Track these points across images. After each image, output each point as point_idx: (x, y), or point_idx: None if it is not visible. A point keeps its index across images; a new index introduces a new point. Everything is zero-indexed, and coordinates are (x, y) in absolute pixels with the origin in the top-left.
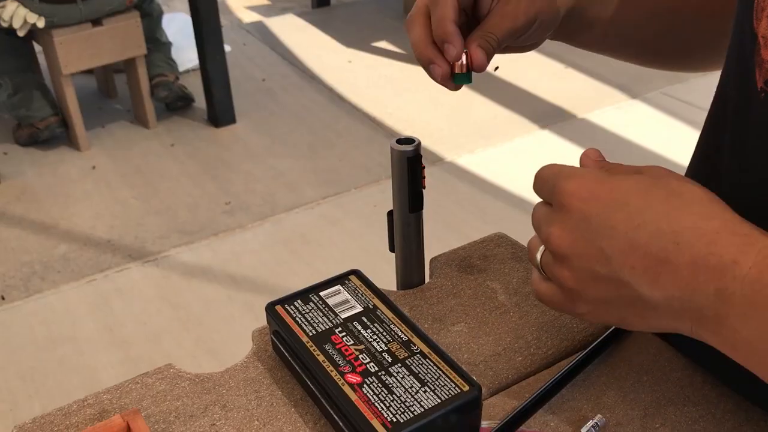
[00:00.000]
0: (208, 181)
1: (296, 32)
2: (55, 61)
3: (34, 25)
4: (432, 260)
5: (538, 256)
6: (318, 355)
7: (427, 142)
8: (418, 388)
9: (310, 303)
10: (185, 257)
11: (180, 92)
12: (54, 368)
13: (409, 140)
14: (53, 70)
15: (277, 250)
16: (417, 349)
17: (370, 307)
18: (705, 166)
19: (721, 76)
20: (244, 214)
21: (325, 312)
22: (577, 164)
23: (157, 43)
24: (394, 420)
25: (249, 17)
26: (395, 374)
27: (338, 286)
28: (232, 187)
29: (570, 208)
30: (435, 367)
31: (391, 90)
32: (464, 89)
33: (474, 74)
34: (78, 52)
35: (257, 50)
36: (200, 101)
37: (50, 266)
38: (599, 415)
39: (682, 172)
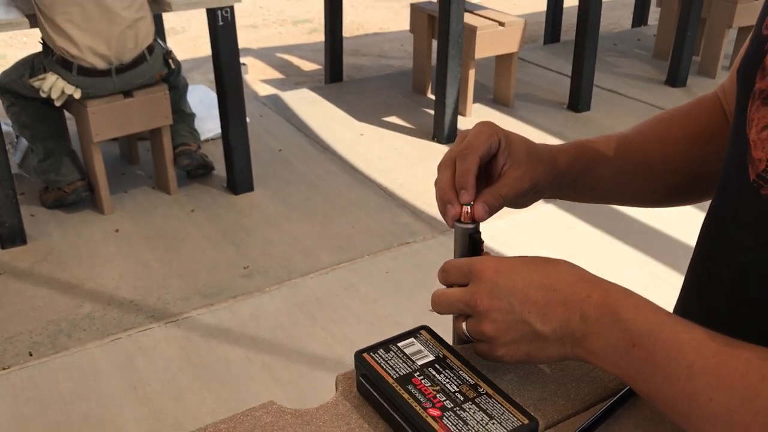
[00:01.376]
0: (228, 245)
1: (310, 105)
2: (87, 129)
3: (70, 95)
4: None
5: (464, 327)
6: (403, 393)
7: (436, 212)
8: (487, 421)
9: (391, 352)
10: (206, 319)
11: (201, 161)
12: (80, 423)
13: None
14: (84, 137)
15: (293, 313)
16: (483, 391)
17: (441, 356)
18: (709, 245)
19: (722, 172)
20: (262, 278)
21: (404, 359)
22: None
23: (181, 114)
24: None
25: (264, 90)
26: (468, 410)
27: (412, 339)
28: (250, 252)
29: (484, 280)
30: (499, 405)
31: (401, 162)
32: None
33: None
34: (109, 121)
35: (273, 122)
36: (219, 169)
37: (76, 324)
38: None
39: (676, 244)
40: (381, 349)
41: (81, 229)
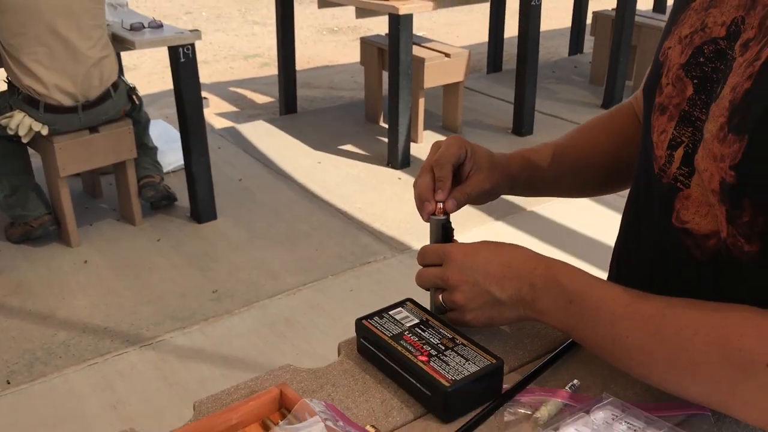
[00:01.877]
0: (195, 272)
1: (267, 137)
2: (54, 165)
3: (37, 132)
4: None
5: (440, 298)
6: (397, 346)
7: (394, 233)
8: (464, 362)
9: (384, 318)
10: (179, 341)
11: (165, 192)
12: None
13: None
14: (50, 172)
15: (263, 332)
16: (459, 342)
17: (424, 320)
18: (628, 225)
19: (636, 170)
20: (230, 300)
21: (395, 323)
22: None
23: (144, 148)
24: (453, 379)
25: (220, 123)
26: (448, 356)
27: (400, 308)
28: (217, 277)
29: (455, 261)
30: (473, 350)
31: (358, 187)
32: None
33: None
34: (75, 156)
35: (232, 153)
36: (182, 200)
37: (52, 352)
38: (576, 380)
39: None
40: (376, 317)
41: (49, 262)
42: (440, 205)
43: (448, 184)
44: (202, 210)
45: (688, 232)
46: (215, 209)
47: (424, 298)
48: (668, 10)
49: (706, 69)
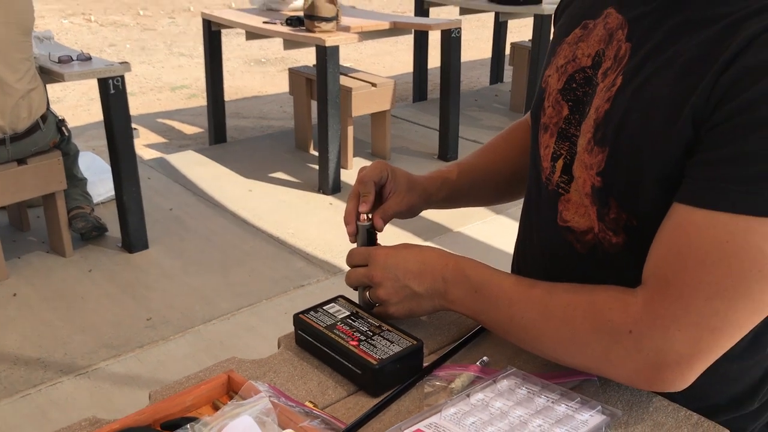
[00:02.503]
0: (128, 300)
1: (197, 166)
2: None
3: None
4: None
5: (367, 295)
6: (331, 335)
7: (327, 256)
8: (389, 345)
9: (319, 312)
10: (114, 368)
11: (96, 223)
12: None
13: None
14: None
15: (199, 356)
16: (385, 329)
17: (354, 312)
18: (524, 227)
19: (528, 180)
20: (165, 327)
21: (329, 315)
22: None
23: (74, 179)
24: (380, 358)
25: (149, 154)
26: (376, 340)
27: (333, 303)
28: (151, 305)
29: (378, 261)
30: (396, 335)
31: (291, 213)
32: None
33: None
34: (3, 188)
35: (162, 183)
36: (113, 230)
37: None
38: (485, 357)
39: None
40: (312, 312)
41: None
42: (364, 216)
43: (371, 198)
44: (134, 240)
45: (570, 230)
46: (147, 239)
47: (354, 297)
48: None
49: (578, 93)
